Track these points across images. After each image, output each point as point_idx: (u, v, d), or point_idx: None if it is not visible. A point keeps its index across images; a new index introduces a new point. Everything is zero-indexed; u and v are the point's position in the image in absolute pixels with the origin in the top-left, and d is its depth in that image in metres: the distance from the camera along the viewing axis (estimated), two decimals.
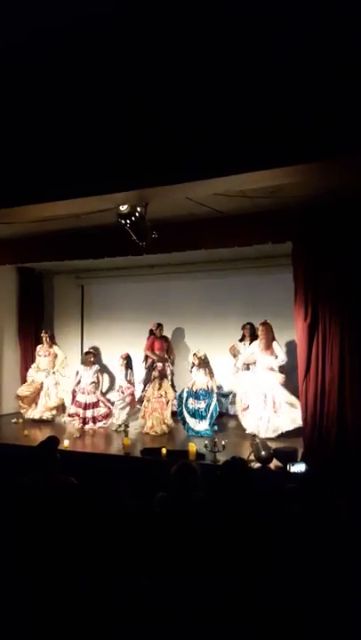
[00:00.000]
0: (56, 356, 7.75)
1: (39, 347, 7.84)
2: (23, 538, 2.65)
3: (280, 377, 6.16)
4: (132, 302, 8.36)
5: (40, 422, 7.44)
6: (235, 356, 7.09)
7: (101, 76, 4.22)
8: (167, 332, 7.74)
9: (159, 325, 7.62)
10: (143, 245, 5.11)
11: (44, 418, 7.48)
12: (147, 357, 7.57)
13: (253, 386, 6.24)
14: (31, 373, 7.75)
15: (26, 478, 3.32)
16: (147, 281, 8.28)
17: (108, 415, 7.16)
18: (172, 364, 7.64)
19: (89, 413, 7.10)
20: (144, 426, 6.72)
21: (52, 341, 7.87)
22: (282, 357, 6.14)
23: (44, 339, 7.78)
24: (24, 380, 8.35)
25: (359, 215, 5.00)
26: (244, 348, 7.00)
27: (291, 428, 5.88)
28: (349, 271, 5.09)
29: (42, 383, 7.63)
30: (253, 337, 6.95)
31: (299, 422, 5.66)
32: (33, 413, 7.53)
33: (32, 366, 7.83)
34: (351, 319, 5.10)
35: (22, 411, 7.62)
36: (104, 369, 8.11)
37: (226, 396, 7.44)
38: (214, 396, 6.57)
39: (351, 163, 3.79)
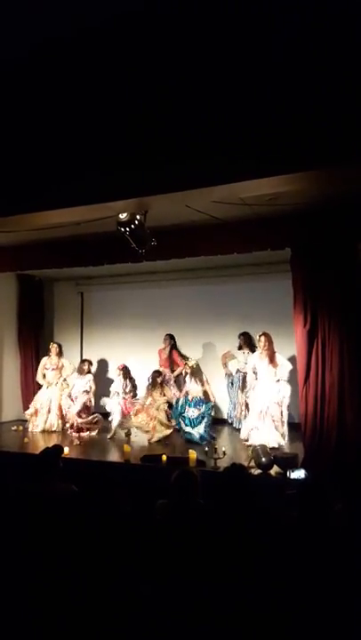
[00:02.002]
0: (63, 367, 7.66)
1: (46, 359, 7.69)
2: (23, 545, 2.65)
3: (286, 391, 6.02)
4: (131, 309, 8.37)
5: (42, 431, 7.43)
6: (225, 365, 7.04)
7: (101, 84, 4.26)
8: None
9: (165, 337, 7.51)
10: (142, 252, 5.14)
11: (48, 429, 7.41)
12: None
13: (255, 399, 6.16)
14: (39, 397, 7.59)
15: (26, 486, 3.32)
16: (146, 288, 8.30)
17: (97, 422, 7.16)
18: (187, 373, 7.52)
19: (83, 421, 7.08)
20: (148, 434, 6.70)
21: (61, 354, 7.78)
22: (288, 365, 6.00)
23: (52, 351, 7.67)
24: (24, 388, 8.37)
25: (357, 221, 5.03)
26: (244, 356, 6.94)
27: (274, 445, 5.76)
28: (348, 277, 5.12)
29: (47, 397, 7.54)
30: (250, 346, 6.94)
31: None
32: (39, 426, 7.43)
33: (41, 387, 7.65)
34: (350, 325, 5.12)
35: (29, 426, 7.51)
36: (104, 377, 8.11)
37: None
38: (209, 403, 6.58)
39: (349, 170, 3.82)
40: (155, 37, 4.01)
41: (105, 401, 7.10)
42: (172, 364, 7.48)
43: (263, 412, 5.90)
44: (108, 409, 7.07)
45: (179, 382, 7.36)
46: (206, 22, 3.84)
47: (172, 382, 7.35)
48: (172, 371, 7.47)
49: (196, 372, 6.76)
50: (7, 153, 4.70)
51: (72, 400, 7.18)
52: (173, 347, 7.57)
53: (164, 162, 4.02)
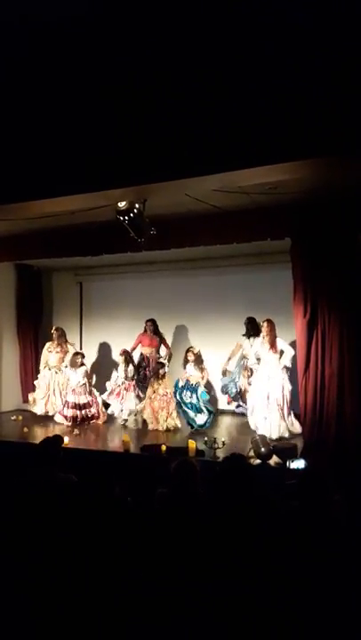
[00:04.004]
0: (68, 352, 7.68)
1: (49, 344, 7.76)
2: (23, 535, 2.65)
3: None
4: (131, 299, 8.34)
5: (41, 419, 7.44)
6: (229, 358, 7.08)
7: (100, 72, 4.21)
8: (166, 329, 7.71)
9: (147, 322, 7.54)
10: (142, 242, 5.10)
11: (50, 413, 7.47)
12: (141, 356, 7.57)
13: (257, 385, 6.16)
14: (43, 374, 7.69)
15: (26, 475, 3.32)
16: (146, 278, 8.27)
17: (97, 416, 7.20)
18: (169, 359, 7.57)
19: (83, 413, 7.10)
20: (149, 422, 6.72)
21: (65, 339, 7.82)
22: (291, 351, 5.96)
23: (54, 336, 7.72)
24: (23, 378, 8.38)
25: (357, 211, 5.00)
26: (249, 343, 6.96)
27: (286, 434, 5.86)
28: (348, 267, 5.10)
29: (50, 380, 7.60)
30: (255, 331, 6.94)
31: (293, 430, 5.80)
32: (42, 409, 7.53)
33: (41, 366, 7.74)
34: (350, 315, 5.11)
35: (32, 408, 7.62)
36: (103, 366, 8.11)
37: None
38: (201, 388, 6.65)
39: (349, 159, 3.78)
40: (153, 24, 3.96)
41: (105, 397, 7.18)
42: (159, 345, 7.50)
43: (269, 399, 5.91)
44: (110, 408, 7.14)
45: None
46: (204, 9, 3.78)
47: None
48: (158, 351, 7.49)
49: (199, 359, 6.75)
50: (5, 141, 4.65)
51: (74, 393, 7.16)
52: (156, 330, 7.55)
53: (163, 150, 3.98)
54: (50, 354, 7.69)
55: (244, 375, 6.99)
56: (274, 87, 3.62)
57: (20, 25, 4.39)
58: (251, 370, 6.74)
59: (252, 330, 6.97)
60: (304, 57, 3.54)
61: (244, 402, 6.91)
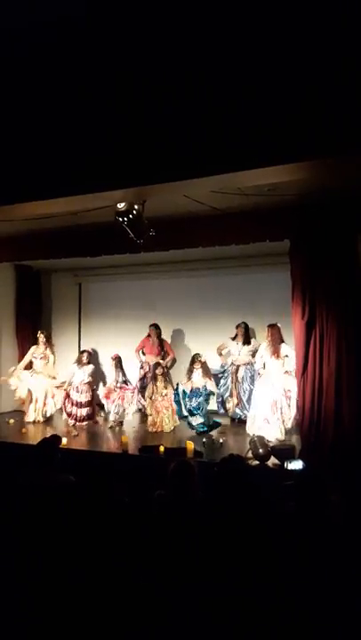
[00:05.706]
0: (48, 357, 7.64)
1: (34, 348, 7.65)
2: (21, 536, 2.65)
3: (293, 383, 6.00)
4: (129, 300, 8.35)
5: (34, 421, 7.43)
6: (220, 354, 7.07)
7: (99, 73, 4.21)
8: (164, 330, 7.72)
9: (150, 326, 7.55)
10: (141, 243, 5.10)
11: (39, 420, 7.42)
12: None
13: (262, 391, 6.12)
14: (22, 378, 7.50)
15: (24, 476, 3.32)
16: (144, 279, 8.27)
17: (92, 416, 7.22)
18: (171, 364, 7.55)
19: (83, 412, 7.10)
20: (152, 424, 6.71)
21: (50, 343, 7.77)
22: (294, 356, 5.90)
23: (40, 340, 7.64)
24: None
25: (356, 213, 5.01)
26: (236, 346, 6.99)
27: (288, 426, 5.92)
28: (347, 269, 5.10)
29: (34, 385, 7.51)
30: (246, 337, 6.96)
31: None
32: (30, 416, 7.43)
33: (26, 372, 7.60)
34: (348, 318, 5.11)
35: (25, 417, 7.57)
36: (100, 367, 8.11)
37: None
38: (206, 394, 6.57)
39: (348, 161, 3.79)
40: (154, 24, 3.96)
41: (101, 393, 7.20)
42: (163, 352, 7.51)
43: (271, 404, 5.90)
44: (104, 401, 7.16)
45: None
46: (205, 10, 3.79)
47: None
48: (162, 359, 7.46)
49: (205, 367, 6.71)
50: (4, 141, 4.65)
51: (77, 391, 7.16)
52: (160, 335, 7.57)
53: (162, 151, 3.98)
54: (35, 360, 7.59)
55: (233, 381, 7.00)
56: (273, 88, 3.63)
57: (20, 25, 4.40)
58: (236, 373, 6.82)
59: (243, 335, 6.98)
60: (303, 57, 3.55)
61: (225, 409, 7.00)
